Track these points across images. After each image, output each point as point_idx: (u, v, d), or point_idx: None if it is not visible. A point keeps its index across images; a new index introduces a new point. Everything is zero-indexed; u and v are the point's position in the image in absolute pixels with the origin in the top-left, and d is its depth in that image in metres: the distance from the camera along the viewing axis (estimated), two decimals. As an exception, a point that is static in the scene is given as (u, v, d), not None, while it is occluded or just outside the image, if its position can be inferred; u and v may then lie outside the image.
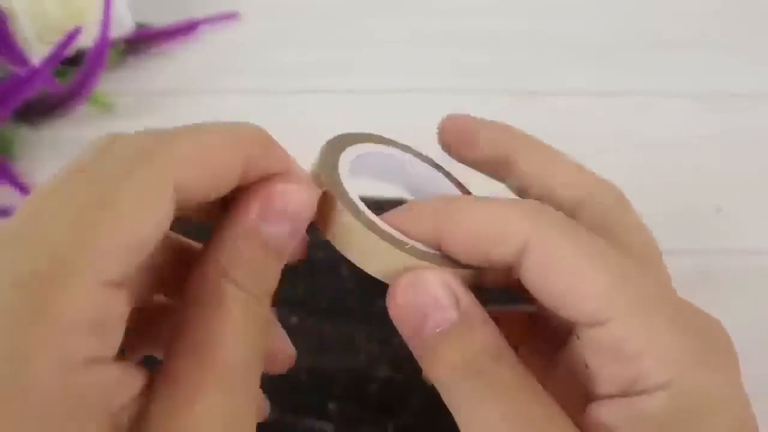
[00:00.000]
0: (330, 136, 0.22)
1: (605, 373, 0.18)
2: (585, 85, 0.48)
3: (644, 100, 0.47)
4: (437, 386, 0.18)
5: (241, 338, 0.16)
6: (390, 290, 0.19)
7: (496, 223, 0.18)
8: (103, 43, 0.44)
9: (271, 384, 0.29)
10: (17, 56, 0.44)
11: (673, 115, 0.46)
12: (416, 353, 0.19)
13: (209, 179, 0.16)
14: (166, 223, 0.15)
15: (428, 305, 0.18)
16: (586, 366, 0.18)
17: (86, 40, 0.44)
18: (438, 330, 0.18)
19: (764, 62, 0.49)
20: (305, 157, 0.21)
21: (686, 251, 0.39)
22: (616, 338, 0.17)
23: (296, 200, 0.18)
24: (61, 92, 0.44)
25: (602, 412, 0.18)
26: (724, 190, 0.42)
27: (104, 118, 0.46)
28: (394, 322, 0.19)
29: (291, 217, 0.18)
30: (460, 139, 0.24)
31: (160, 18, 0.50)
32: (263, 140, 0.18)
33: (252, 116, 0.45)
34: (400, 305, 0.18)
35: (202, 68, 0.50)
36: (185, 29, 0.50)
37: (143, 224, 0.15)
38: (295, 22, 0.53)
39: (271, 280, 0.18)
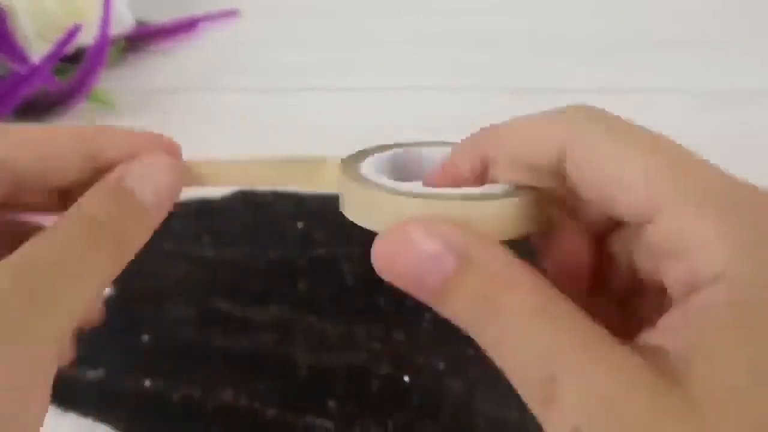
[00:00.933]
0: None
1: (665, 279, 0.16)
2: (585, 84, 0.48)
3: (644, 100, 0.47)
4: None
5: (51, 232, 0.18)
6: (373, 250, 0.17)
7: (534, 130, 0.18)
8: (103, 40, 0.44)
9: (271, 382, 0.30)
10: (17, 54, 0.44)
11: (672, 114, 0.46)
12: (428, 303, 0.17)
13: (39, 154, 0.19)
14: None
15: (421, 262, 0.16)
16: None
17: (86, 37, 0.44)
18: (441, 279, 0.16)
19: (764, 61, 0.49)
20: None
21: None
22: (668, 234, 0.15)
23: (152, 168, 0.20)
24: (61, 90, 0.44)
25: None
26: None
27: (104, 115, 0.46)
28: (391, 282, 0.17)
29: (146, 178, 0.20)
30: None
31: (160, 15, 0.51)
32: (118, 135, 0.20)
33: (252, 115, 0.46)
34: (389, 269, 0.16)
35: (202, 66, 0.50)
36: (185, 27, 0.50)
37: None
38: (295, 22, 0.53)
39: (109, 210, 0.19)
